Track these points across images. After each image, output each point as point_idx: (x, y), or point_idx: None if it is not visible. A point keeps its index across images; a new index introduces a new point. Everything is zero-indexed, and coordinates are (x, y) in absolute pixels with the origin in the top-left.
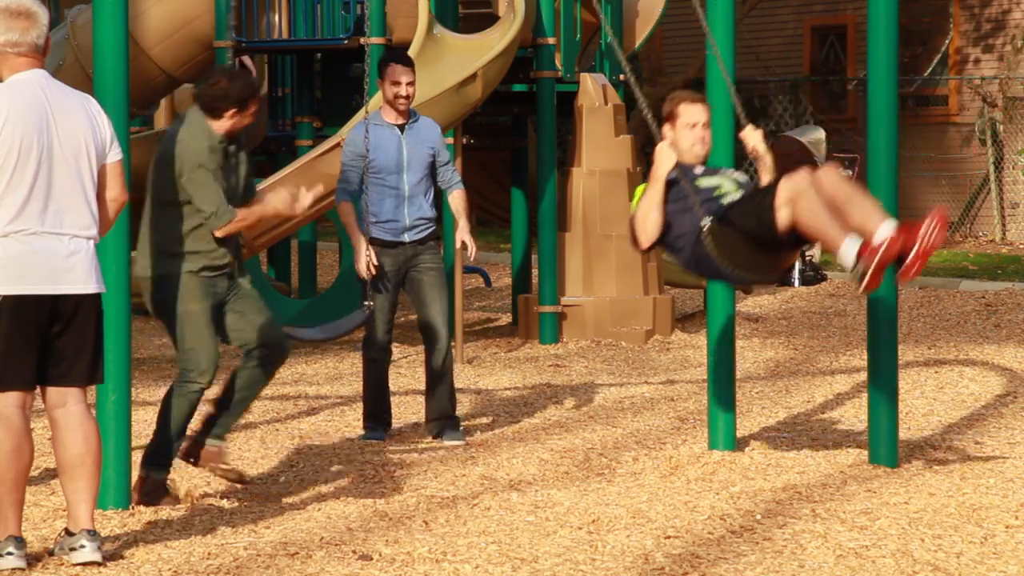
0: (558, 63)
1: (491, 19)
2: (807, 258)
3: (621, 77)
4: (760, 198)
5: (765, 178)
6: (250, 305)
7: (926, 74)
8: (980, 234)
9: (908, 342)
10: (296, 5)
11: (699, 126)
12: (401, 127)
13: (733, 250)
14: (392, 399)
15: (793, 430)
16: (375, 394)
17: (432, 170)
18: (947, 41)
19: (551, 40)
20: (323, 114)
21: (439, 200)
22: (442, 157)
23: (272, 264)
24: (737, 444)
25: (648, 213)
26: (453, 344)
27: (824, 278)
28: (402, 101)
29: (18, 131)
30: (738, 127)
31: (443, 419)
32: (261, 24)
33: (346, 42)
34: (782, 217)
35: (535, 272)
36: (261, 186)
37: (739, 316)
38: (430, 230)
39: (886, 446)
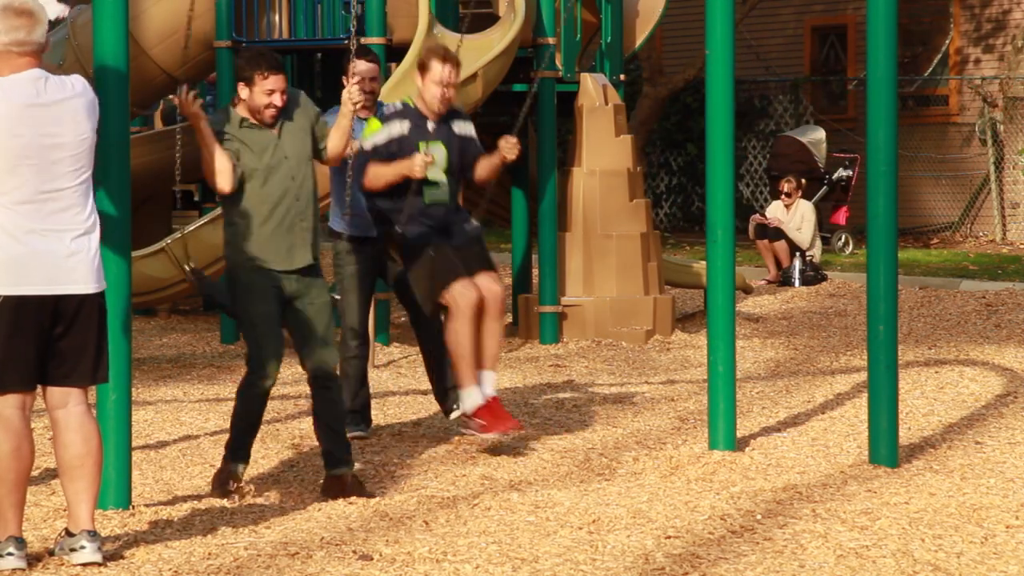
0: (558, 63)
1: (492, 19)
2: (807, 258)
3: (622, 77)
4: (435, 277)
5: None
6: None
7: (926, 74)
8: (980, 234)
9: (908, 342)
10: (296, 5)
11: (449, 87)
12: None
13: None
14: (392, 399)
15: (793, 430)
16: (353, 390)
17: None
18: (947, 41)
19: (551, 40)
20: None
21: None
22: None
23: None
24: (737, 444)
25: (377, 182)
26: None
27: (824, 278)
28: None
29: (16, 131)
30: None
31: (452, 390)
32: (261, 24)
33: (346, 42)
34: (443, 301)
35: (535, 272)
36: None
37: (739, 316)
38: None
39: (886, 446)
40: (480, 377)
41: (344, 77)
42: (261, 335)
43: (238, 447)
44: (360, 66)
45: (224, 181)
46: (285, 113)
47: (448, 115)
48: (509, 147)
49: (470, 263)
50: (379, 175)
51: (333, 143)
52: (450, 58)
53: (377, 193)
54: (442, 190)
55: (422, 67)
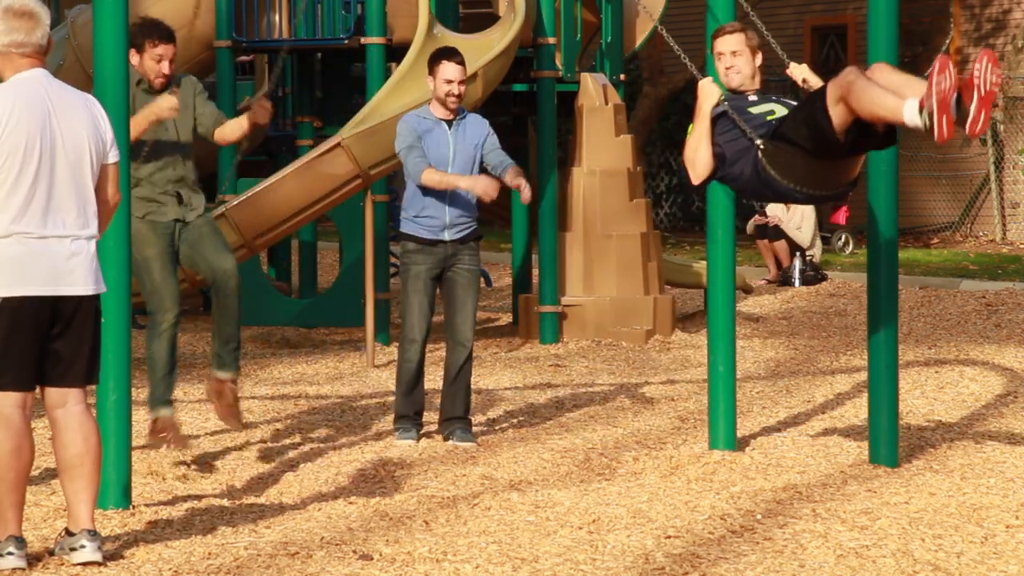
0: (558, 63)
1: (491, 19)
2: (807, 258)
3: (622, 77)
4: (811, 104)
5: None
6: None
7: (926, 74)
8: (980, 234)
9: (908, 342)
10: (296, 5)
11: (727, 55)
12: (449, 123)
13: (793, 167)
14: (392, 399)
15: (793, 430)
16: (407, 393)
17: (478, 168)
18: (947, 41)
19: (551, 40)
20: (323, 114)
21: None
22: (491, 144)
23: (272, 264)
24: (737, 444)
25: (696, 149)
26: None
27: (825, 278)
28: (453, 99)
29: (21, 131)
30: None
31: (455, 420)
32: (261, 24)
33: (346, 42)
34: (836, 116)
35: (535, 272)
36: (261, 186)
37: (739, 316)
38: (471, 229)
39: (886, 446)
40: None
41: (428, 76)
42: (155, 278)
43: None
44: (448, 69)
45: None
46: (174, 82)
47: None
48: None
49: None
50: (695, 136)
51: (229, 129)
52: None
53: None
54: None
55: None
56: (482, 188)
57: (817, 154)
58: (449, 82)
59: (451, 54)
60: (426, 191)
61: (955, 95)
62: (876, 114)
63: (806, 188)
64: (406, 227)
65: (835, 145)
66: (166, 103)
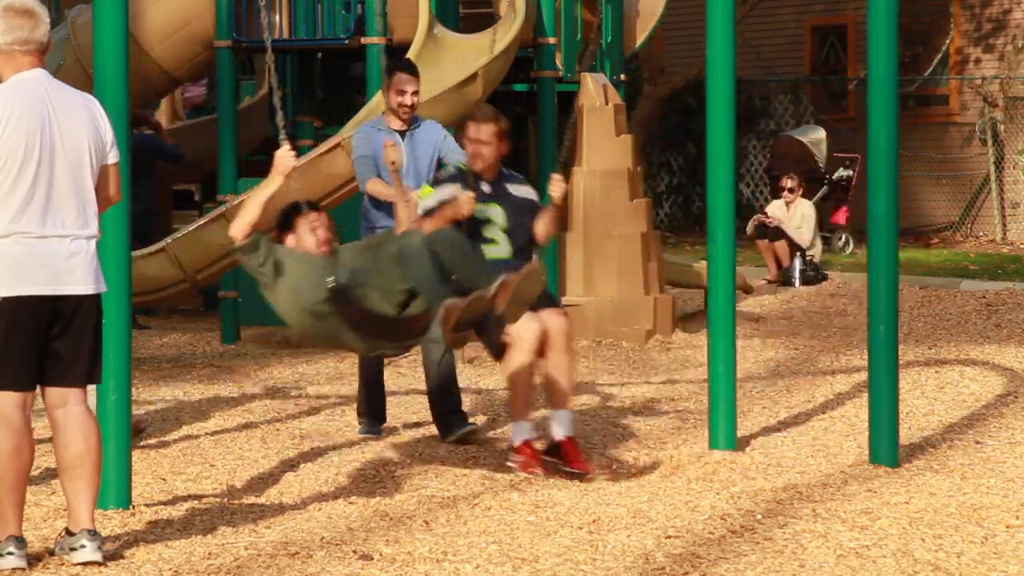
0: (559, 63)
1: (491, 19)
2: (808, 258)
3: (622, 77)
4: (494, 321)
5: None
6: None
7: (927, 74)
8: (981, 234)
9: (909, 342)
10: (297, 5)
11: (482, 144)
12: (403, 132)
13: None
14: (392, 399)
15: (794, 430)
16: (367, 391)
17: (439, 169)
18: (948, 41)
19: (552, 40)
20: (324, 113)
21: None
22: (446, 147)
23: None
24: (738, 444)
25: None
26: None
27: (825, 278)
28: (405, 110)
29: (21, 131)
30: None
31: (451, 415)
32: (261, 24)
33: (347, 42)
34: (506, 339)
35: None
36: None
37: (740, 316)
38: None
39: (887, 446)
40: (553, 417)
41: (383, 88)
42: None
43: None
44: (400, 80)
45: None
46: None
47: (503, 177)
48: (556, 186)
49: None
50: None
51: None
52: (488, 117)
53: None
54: (501, 248)
55: (460, 130)
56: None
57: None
58: (401, 93)
59: (405, 66)
60: (380, 202)
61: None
62: (508, 389)
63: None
64: (364, 236)
65: (491, 344)
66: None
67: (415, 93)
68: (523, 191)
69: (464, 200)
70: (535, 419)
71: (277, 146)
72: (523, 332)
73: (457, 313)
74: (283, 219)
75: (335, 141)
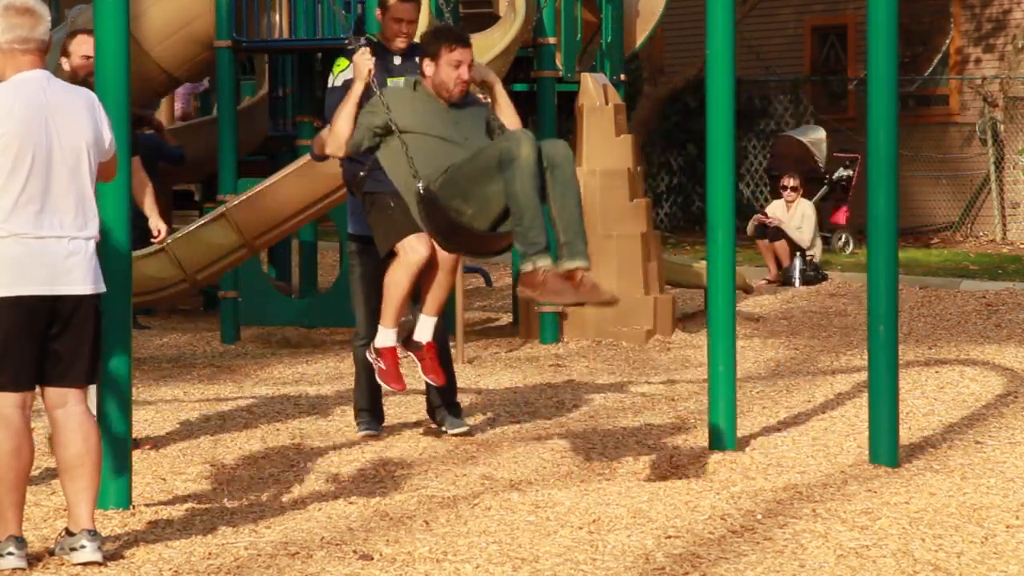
0: (559, 63)
1: (491, 19)
2: (808, 258)
3: (622, 77)
4: (393, 226)
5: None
6: None
7: (927, 74)
8: (981, 234)
9: (909, 342)
10: (297, 5)
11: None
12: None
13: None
14: (392, 399)
15: (794, 430)
16: (367, 387)
17: None
18: (948, 41)
19: (552, 40)
20: (324, 114)
21: None
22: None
23: (272, 264)
24: (738, 444)
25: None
26: (452, 343)
27: (825, 277)
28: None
29: (19, 132)
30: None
31: (445, 407)
32: (262, 24)
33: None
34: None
35: None
36: (261, 186)
37: (740, 316)
38: None
39: (887, 446)
40: (418, 320)
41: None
42: None
43: None
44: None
45: None
46: None
47: (410, 50)
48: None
49: None
50: (339, 108)
51: None
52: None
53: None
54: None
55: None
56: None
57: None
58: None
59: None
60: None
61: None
62: (385, 295)
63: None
64: (352, 228)
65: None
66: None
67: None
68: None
69: (362, 60)
70: (402, 327)
71: (278, 147)
72: (412, 254)
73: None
74: (430, 42)
75: None
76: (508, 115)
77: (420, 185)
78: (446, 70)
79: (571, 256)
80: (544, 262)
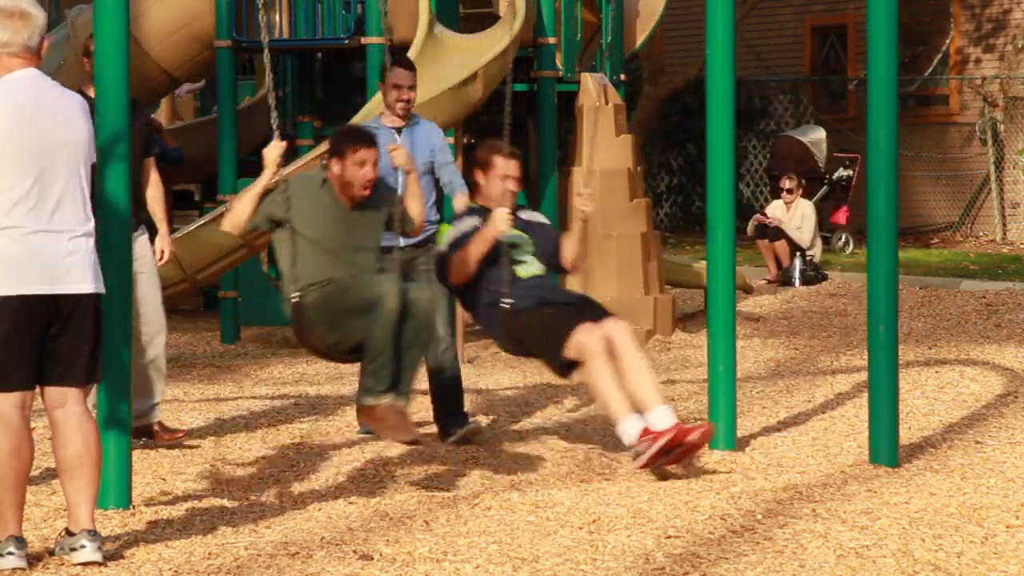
0: (559, 63)
1: (491, 19)
2: (808, 258)
3: (622, 77)
4: (554, 333)
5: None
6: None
7: (927, 74)
8: (981, 234)
9: (909, 342)
10: (297, 5)
11: (512, 179)
12: (399, 130)
13: (519, 335)
14: None
15: (794, 430)
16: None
17: (433, 173)
18: (948, 41)
19: (552, 40)
20: (324, 113)
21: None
22: (442, 158)
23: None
24: (738, 444)
25: (467, 264)
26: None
27: (825, 278)
28: (403, 105)
29: (17, 129)
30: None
31: (453, 415)
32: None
33: (347, 42)
34: (570, 354)
35: None
36: None
37: (740, 316)
38: (427, 234)
39: (887, 446)
40: (652, 415)
41: (380, 84)
42: None
43: None
44: (397, 74)
45: None
46: None
47: (515, 208)
48: (583, 202)
49: (586, 313)
50: (466, 254)
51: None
52: (514, 153)
53: (468, 288)
54: (532, 265)
55: (485, 164)
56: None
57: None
58: (398, 87)
59: (402, 61)
60: None
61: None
62: (597, 401)
63: (515, 349)
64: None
65: (555, 363)
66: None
67: (412, 88)
68: (535, 216)
69: (500, 217)
70: (634, 410)
71: None
72: (589, 344)
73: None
74: (336, 140)
75: None
76: (414, 206)
77: (295, 296)
78: (352, 169)
79: (396, 395)
80: (386, 399)
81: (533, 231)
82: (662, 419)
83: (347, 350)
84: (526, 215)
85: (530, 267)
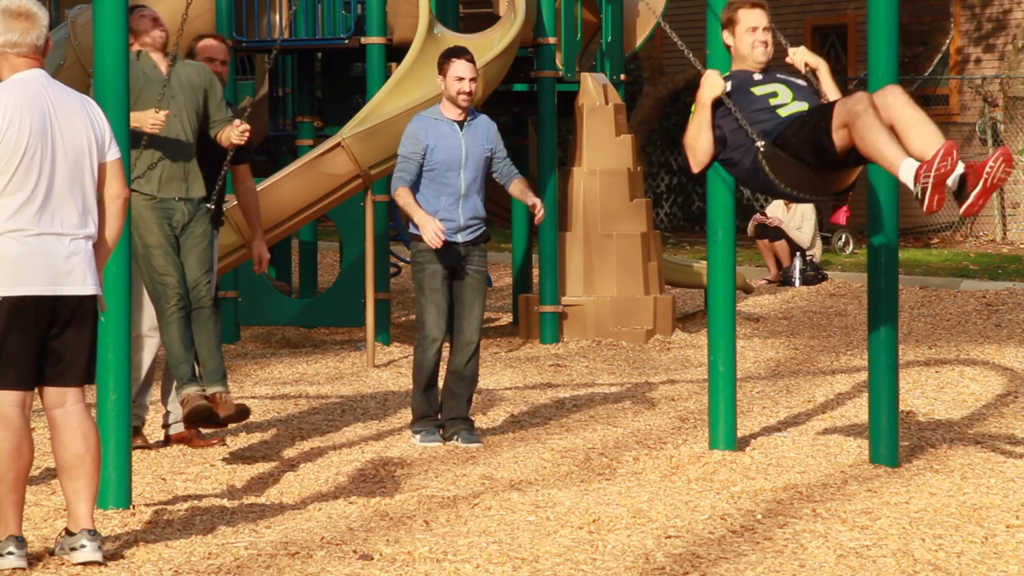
0: (559, 63)
1: (491, 19)
2: (808, 258)
3: (622, 77)
4: (816, 121)
5: (825, 89)
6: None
7: (927, 74)
8: (981, 234)
9: (909, 342)
10: (297, 5)
11: (759, 30)
12: (460, 123)
13: (790, 172)
14: (392, 399)
15: (794, 430)
16: (426, 394)
17: (487, 169)
18: (948, 40)
19: (552, 40)
20: (324, 113)
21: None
22: (500, 153)
23: (272, 264)
24: (738, 444)
25: (697, 138)
26: None
27: (825, 277)
28: (464, 97)
29: (23, 130)
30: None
31: (460, 420)
32: (262, 24)
33: (346, 42)
34: (839, 139)
35: (536, 272)
36: (261, 186)
37: (740, 316)
38: (482, 230)
39: (887, 446)
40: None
41: (439, 76)
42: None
43: None
44: (458, 66)
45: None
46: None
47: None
48: (803, 55)
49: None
50: (687, 134)
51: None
52: (759, 4)
53: (725, 164)
54: (794, 106)
55: (729, 21)
56: (429, 235)
57: (816, 166)
58: (460, 79)
59: (461, 52)
60: (439, 192)
61: (959, 176)
62: (873, 157)
63: (802, 192)
64: (413, 227)
65: (836, 161)
66: (150, 118)
67: (473, 80)
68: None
69: (710, 81)
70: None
71: (278, 146)
72: (852, 105)
73: None
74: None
75: (335, 141)
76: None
77: None
78: None
79: (209, 383)
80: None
81: (789, 83)
82: (939, 148)
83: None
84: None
85: (790, 108)
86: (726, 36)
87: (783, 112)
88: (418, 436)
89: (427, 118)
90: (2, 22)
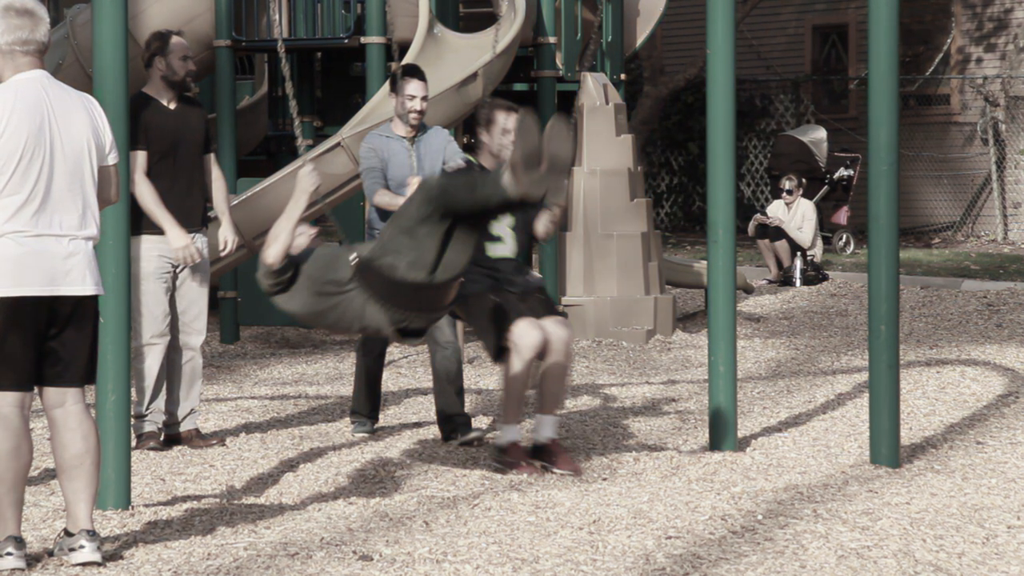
0: (559, 62)
1: (491, 19)
2: (808, 258)
3: (622, 76)
4: (497, 321)
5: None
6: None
7: (928, 73)
8: (982, 234)
9: (909, 342)
10: (296, 4)
11: (510, 133)
12: (412, 140)
13: (463, 312)
14: (392, 399)
15: (794, 430)
16: (369, 390)
17: None
18: (949, 40)
19: (552, 40)
20: (323, 113)
21: None
22: (451, 150)
23: None
24: (738, 444)
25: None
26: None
27: (826, 277)
28: (415, 116)
29: (22, 132)
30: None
31: (457, 417)
32: (261, 23)
33: (346, 41)
34: (506, 344)
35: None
36: (261, 186)
37: (740, 316)
38: None
39: (887, 446)
40: (541, 421)
41: (390, 93)
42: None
43: None
44: (412, 85)
45: None
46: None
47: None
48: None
49: (535, 309)
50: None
51: None
52: (514, 109)
53: None
54: (507, 245)
55: (487, 122)
56: None
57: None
58: (412, 98)
59: (414, 71)
60: (387, 212)
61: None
62: (503, 393)
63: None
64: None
65: (491, 348)
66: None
67: (424, 99)
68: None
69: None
70: (523, 423)
71: (278, 146)
72: (525, 340)
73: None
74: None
75: (335, 141)
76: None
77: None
78: None
79: None
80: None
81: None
82: (547, 428)
83: (434, 264)
84: None
85: (503, 247)
86: (481, 134)
87: (495, 255)
88: (353, 428)
89: (378, 136)
90: (7, 20)
